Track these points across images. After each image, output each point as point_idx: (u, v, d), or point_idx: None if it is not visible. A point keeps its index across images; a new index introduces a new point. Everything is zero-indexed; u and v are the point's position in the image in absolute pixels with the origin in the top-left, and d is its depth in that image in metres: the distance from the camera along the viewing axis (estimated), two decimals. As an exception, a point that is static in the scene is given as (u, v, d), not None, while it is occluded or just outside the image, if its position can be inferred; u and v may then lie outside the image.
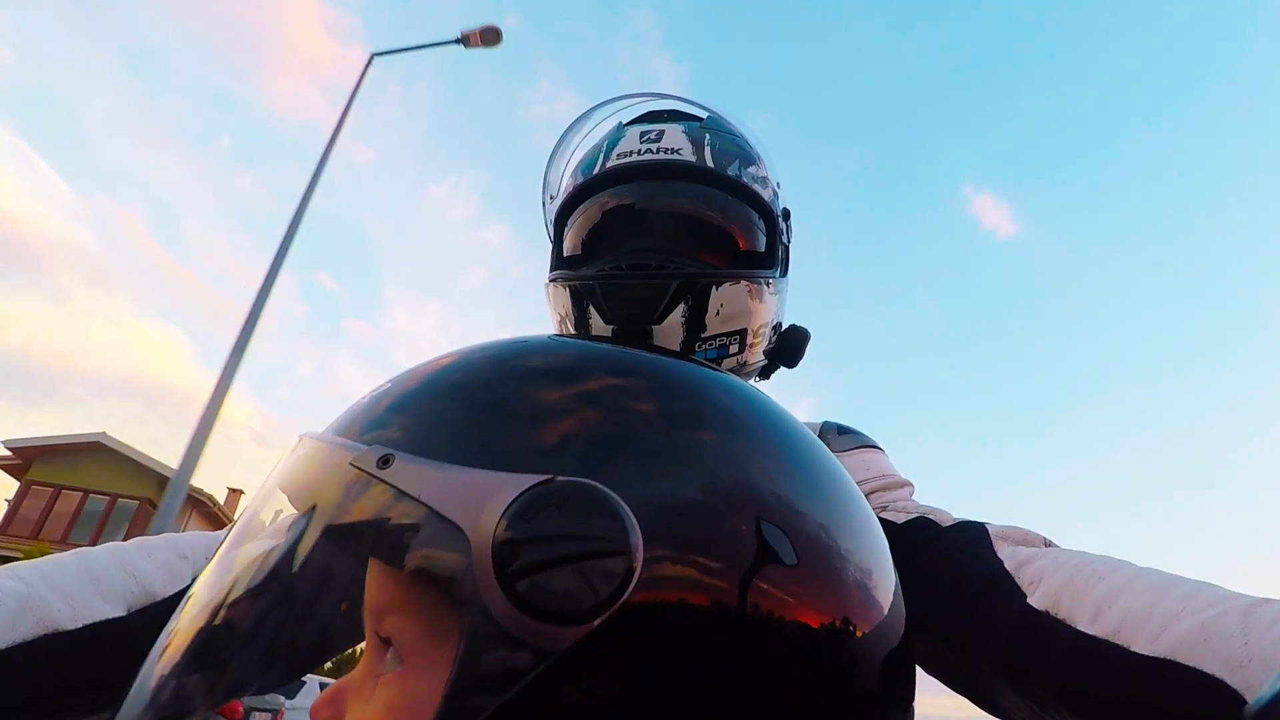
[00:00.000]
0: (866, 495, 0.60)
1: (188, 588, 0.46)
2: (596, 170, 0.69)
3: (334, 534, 0.30)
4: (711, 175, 0.67)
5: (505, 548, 0.25)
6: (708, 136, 0.69)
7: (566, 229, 0.73)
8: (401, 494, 0.28)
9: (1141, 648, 0.35)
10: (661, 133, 0.68)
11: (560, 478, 0.27)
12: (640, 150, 0.67)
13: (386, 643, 0.29)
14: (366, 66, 6.38)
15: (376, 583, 0.31)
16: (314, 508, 0.31)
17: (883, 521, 0.57)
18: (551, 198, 0.77)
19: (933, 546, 0.53)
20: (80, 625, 0.39)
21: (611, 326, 0.62)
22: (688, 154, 0.66)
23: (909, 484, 0.63)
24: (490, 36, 6.05)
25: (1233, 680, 0.30)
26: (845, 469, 0.63)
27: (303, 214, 5.28)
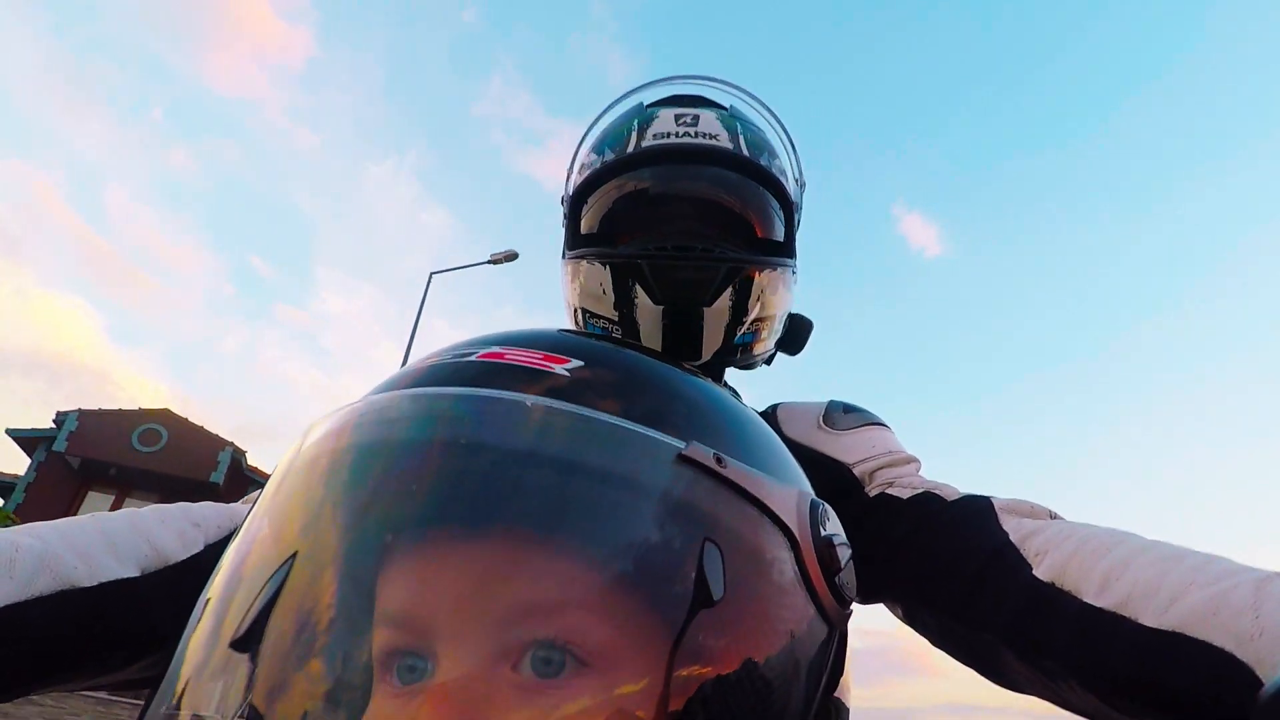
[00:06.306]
0: (873, 472, 0.60)
1: (200, 553, 0.45)
2: (630, 149, 0.66)
3: (660, 524, 0.30)
4: (748, 164, 0.66)
5: (825, 550, 0.32)
6: (739, 125, 0.68)
7: (587, 206, 0.71)
8: (743, 494, 0.31)
9: (1150, 620, 0.35)
10: (697, 117, 0.67)
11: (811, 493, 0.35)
12: (678, 133, 0.66)
13: (538, 645, 0.27)
14: (427, 285, 7.62)
15: (570, 581, 0.28)
16: (610, 490, 0.30)
17: (888, 497, 0.57)
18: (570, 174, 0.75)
19: (938, 520, 0.53)
20: (95, 583, 0.39)
21: (660, 307, 0.62)
22: (725, 141, 0.66)
23: (915, 460, 0.62)
24: (510, 256, 8.56)
25: (1242, 654, 0.31)
26: (852, 446, 0.63)
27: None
